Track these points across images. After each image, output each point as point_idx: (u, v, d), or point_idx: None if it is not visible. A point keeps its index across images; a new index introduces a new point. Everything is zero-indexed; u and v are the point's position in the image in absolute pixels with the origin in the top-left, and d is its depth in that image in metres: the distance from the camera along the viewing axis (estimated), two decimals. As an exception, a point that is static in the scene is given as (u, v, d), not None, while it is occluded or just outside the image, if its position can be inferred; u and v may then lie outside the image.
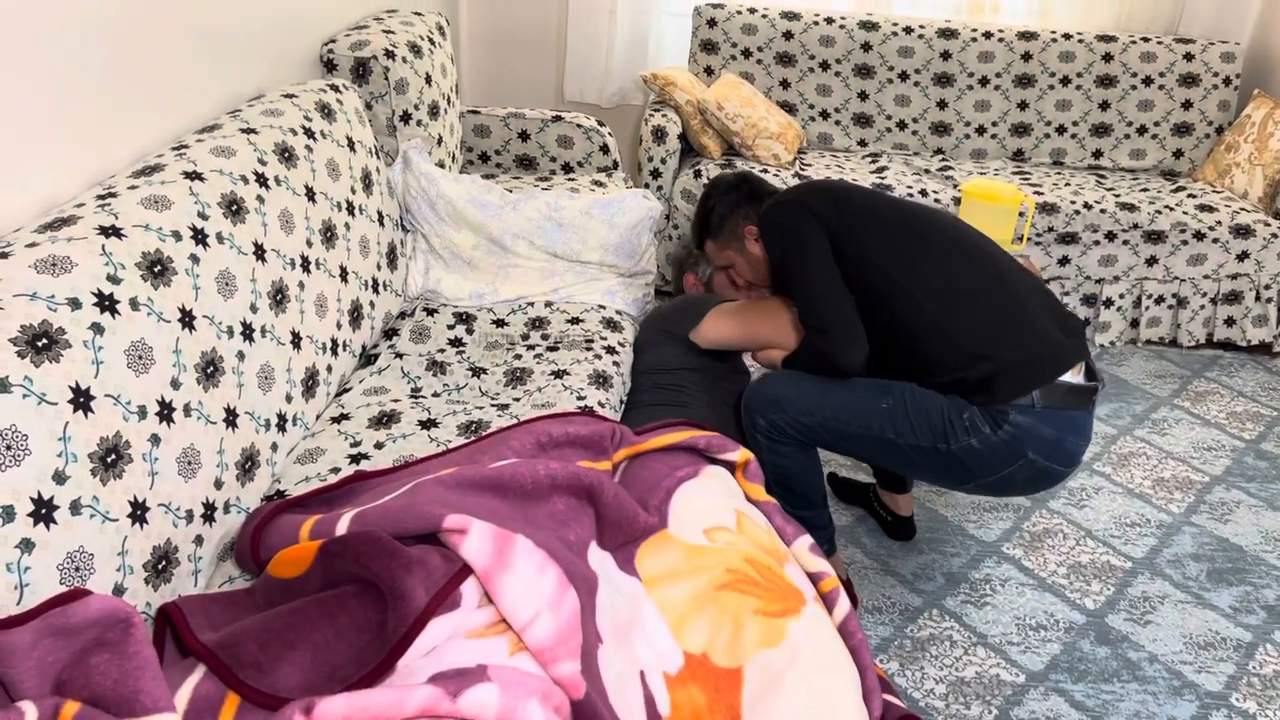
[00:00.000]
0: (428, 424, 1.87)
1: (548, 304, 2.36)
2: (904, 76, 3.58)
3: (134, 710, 1.05)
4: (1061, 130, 3.63)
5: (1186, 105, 3.59)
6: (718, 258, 2.25)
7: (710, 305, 2.20)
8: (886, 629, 2.07)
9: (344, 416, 1.89)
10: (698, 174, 3.24)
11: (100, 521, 1.25)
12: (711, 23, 3.57)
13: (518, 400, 1.97)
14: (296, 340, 1.77)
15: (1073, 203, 3.20)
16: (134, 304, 1.37)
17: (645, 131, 3.23)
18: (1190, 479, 2.63)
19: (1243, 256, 3.22)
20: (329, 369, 1.90)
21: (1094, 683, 1.97)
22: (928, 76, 3.58)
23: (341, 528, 1.34)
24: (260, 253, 1.68)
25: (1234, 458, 2.73)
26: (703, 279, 2.57)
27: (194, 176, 1.60)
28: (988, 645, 2.05)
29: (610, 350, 2.18)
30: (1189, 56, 3.56)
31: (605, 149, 3.02)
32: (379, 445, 1.79)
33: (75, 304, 1.28)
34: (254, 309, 1.64)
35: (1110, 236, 3.20)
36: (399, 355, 2.13)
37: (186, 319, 1.46)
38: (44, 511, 1.17)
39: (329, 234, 1.93)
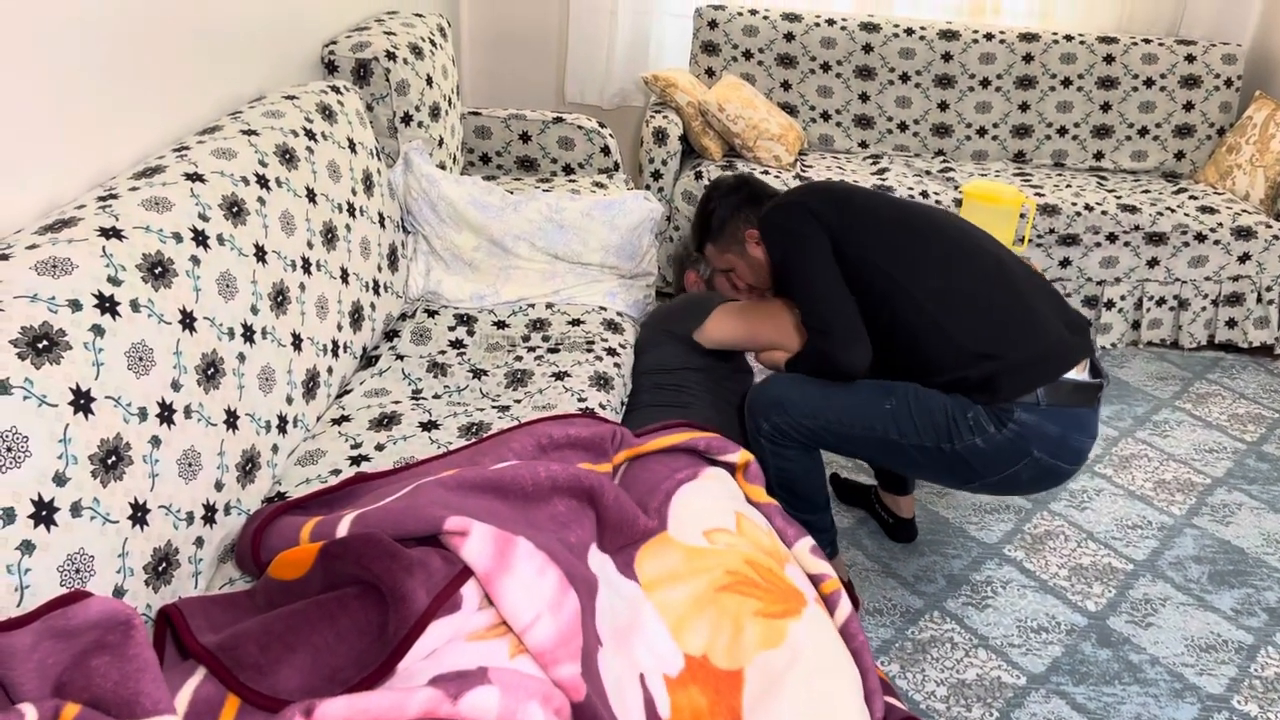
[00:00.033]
0: (428, 426, 1.87)
1: (549, 306, 2.36)
2: (905, 78, 3.58)
3: (134, 712, 1.05)
4: (1063, 132, 3.62)
5: (1188, 107, 3.59)
6: (718, 261, 2.24)
7: (712, 304, 2.20)
8: (888, 631, 2.07)
9: (345, 418, 1.89)
10: (699, 175, 3.24)
11: (100, 523, 1.24)
12: (712, 24, 3.57)
13: (518, 402, 1.97)
14: (297, 342, 1.77)
15: (1074, 204, 3.20)
16: (135, 305, 1.36)
17: (646, 133, 3.23)
18: (1192, 481, 2.63)
19: (1244, 258, 3.22)
20: (330, 370, 1.90)
21: (1095, 685, 1.97)
22: (929, 78, 3.58)
23: (342, 530, 1.34)
24: (261, 254, 1.68)
25: (1235, 460, 2.73)
26: (704, 276, 2.57)
27: (195, 178, 1.60)
28: (989, 647, 2.04)
29: (611, 352, 2.18)
30: (1190, 58, 3.56)
31: (606, 150, 3.02)
32: (380, 447, 1.79)
33: (76, 305, 1.28)
34: (255, 310, 1.64)
35: (1111, 238, 3.20)
36: (400, 357, 2.13)
37: (187, 320, 1.46)
38: (44, 513, 1.17)
39: (330, 235, 1.93)
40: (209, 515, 1.47)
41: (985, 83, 3.58)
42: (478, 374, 2.09)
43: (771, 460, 1.93)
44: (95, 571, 1.23)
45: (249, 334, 1.61)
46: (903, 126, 3.63)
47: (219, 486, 1.50)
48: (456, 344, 2.21)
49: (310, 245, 1.85)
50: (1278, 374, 3.21)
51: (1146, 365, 3.22)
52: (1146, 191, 3.40)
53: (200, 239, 1.54)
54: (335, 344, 1.92)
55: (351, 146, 2.10)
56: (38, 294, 1.25)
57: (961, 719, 1.87)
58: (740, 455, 1.68)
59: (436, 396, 2.00)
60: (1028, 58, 3.56)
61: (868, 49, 3.56)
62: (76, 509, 1.21)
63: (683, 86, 3.33)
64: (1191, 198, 3.36)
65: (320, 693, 1.17)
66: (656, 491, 1.56)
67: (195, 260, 1.51)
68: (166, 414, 1.39)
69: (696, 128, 3.33)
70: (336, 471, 1.72)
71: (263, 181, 1.74)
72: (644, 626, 1.35)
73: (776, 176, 3.26)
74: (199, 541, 1.45)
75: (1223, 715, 1.91)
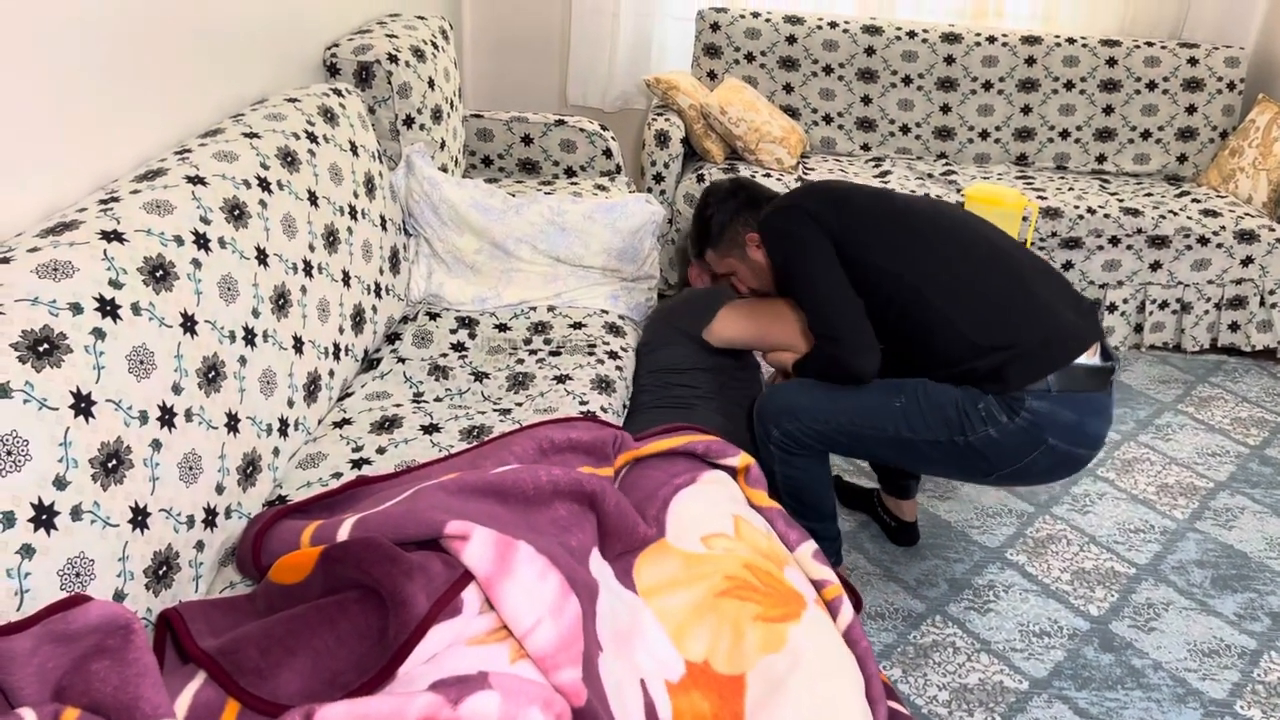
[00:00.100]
0: (430, 429, 1.86)
1: (550, 308, 2.36)
2: (907, 81, 3.58)
3: (134, 717, 1.05)
4: (1065, 135, 3.62)
5: (1190, 110, 3.59)
6: (719, 266, 2.24)
7: (717, 299, 2.19)
8: (890, 635, 2.06)
9: (346, 421, 1.89)
10: (700, 178, 3.24)
11: (101, 527, 1.24)
12: (715, 27, 3.57)
13: (520, 405, 1.97)
14: (298, 345, 1.77)
15: (1076, 207, 3.19)
16: (135, 309, 1.36)
17: (648, 136, 3.23)
18: (1194, 485, 2.62)
19: (1247, 261, 3.22)
20: (331, 374, 1.90)
21: (1098, 690, 1.96)
22: (931, 81, 3.58)
23: (343, 534, 1.34)
24: (262, 257, 1.68)
25: (1238, 463, 2.73)
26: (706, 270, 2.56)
27: (196, 181, 1.60)
28: (991, 652, 2.04)
29: (613, 355, 2.18)
30: (1193, 61, 3.56)
31: (608, 153, 3.02)
32: (381, 450, 1.79)
33: (77, 309, 1.27)
34: (256, 314, 1.64)
35: (1114, 241, 3.20)
36: (401, 360, 2.13)
37: (188, 324, 1.46)
38: (44, 517, 1.16)
39: (331, 238, 1.93)
40: (209, 519, 1.47)
41: (987, 86, 3.58)
42: (479, 377, 2.08)
43: (780, 468, 1.93)
44: (95, 575, 1.23)
45: (250, 337, 1.61)
46: (905, 129, 3.63)
47: (220, 490, 1.50)
48: (458, 347, 2.21)
49: (312, 248, 1.84)
50: (1281, 378, 3.20)
51: (1149, 369, 3.22)
52: (1149, 195, 3.39)
53: (201, 242, 1.53)
54: (337, 347, 1.92)
55: (353, 149, 2.10)
56: (39, 297, 1.24)
57: (964, 724, 1.87)
58: (740, 458, 1.67)
59: (438, 399, 2.00)
60: (1030, 61, 3.56)
61: (870, 52, 3.56)
62: (77, 513, 1.21)
63: (685, 89, 3.32)
64: (1194, 201, 3.35)
65: (320, 697, 1.17)
66: (654, 498, 1.56)
67: (196, 263, 1.51)
68: (167, 417, 1.38)
69: (698, 130, 3.33)
70: (338, 475, 1.71)
71: (264, 184, 1.74)
72: (644, 632, 1.35)
73: (778, 179, 3.26)
74: (199, 545, 1.45)
75: (1226, 720, 1.91)
